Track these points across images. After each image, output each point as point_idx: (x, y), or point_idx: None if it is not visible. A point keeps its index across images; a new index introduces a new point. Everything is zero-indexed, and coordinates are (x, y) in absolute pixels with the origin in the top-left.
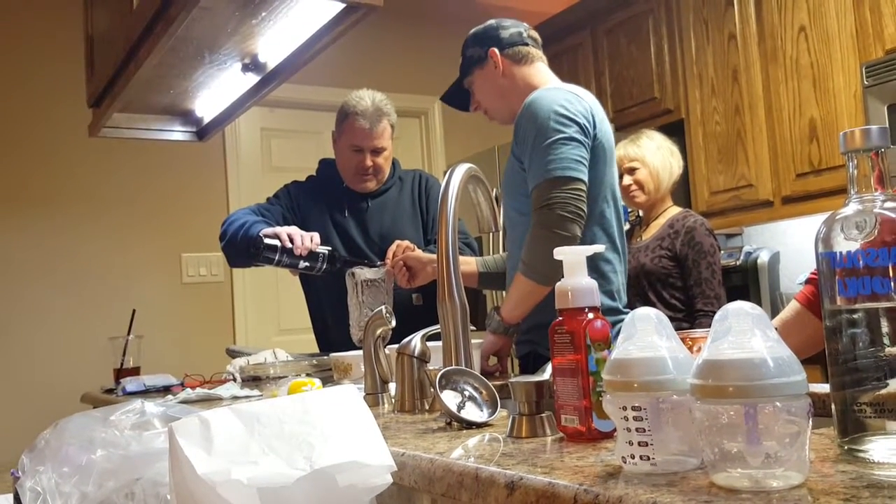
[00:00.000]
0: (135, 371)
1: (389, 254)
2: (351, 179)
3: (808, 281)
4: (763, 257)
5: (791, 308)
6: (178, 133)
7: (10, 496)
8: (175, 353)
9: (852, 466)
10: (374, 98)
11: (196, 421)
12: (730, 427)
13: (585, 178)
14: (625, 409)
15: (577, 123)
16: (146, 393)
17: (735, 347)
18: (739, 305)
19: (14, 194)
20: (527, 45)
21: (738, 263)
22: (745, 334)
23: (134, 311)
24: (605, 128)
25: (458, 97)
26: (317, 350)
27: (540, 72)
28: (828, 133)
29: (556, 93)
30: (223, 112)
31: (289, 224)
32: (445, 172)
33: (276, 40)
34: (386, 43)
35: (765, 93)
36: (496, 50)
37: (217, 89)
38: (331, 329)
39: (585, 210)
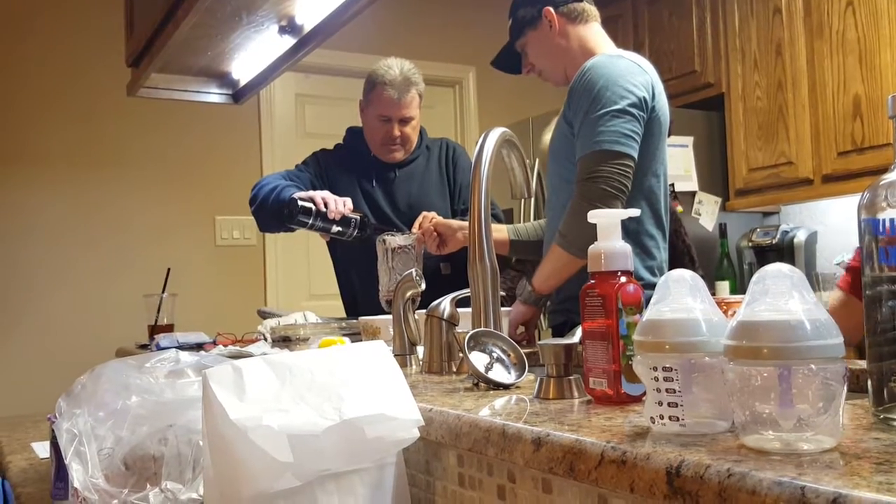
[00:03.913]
0: (168, 328)
1: (416, 226)
2: (378, 149)
3: (848, 269)
4: (800, 236)
5: (836, 296)
6: (214, 95)
7: (48, 443)
8: (207, 313)
9: (886, 434)
10: (402, 67)
11: (230, 369)
12: (762, 389)
13: (634, 155)
14: (655, 369)
15: (636, 96)
16: (179, 349)
17: (771, 309)
18: (777, 267)
19: (52, 152)
20: (581, 0)
21: (773, 242)
22: (783, 296)
23: (169, 269)
24: (663, 101)
25: (508, 60)
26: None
27: (595, 33)
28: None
29: (618, 61)
30: (259, 75)
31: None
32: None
33: (313, 2)
34: (422, 10)
35: (809, 68)
36: (550, 8)
37: (253, 51)
38: (359, 297)
39: (629, 187)
